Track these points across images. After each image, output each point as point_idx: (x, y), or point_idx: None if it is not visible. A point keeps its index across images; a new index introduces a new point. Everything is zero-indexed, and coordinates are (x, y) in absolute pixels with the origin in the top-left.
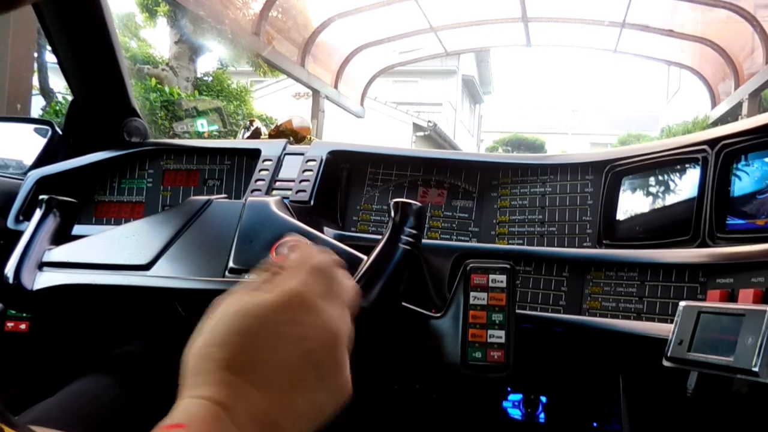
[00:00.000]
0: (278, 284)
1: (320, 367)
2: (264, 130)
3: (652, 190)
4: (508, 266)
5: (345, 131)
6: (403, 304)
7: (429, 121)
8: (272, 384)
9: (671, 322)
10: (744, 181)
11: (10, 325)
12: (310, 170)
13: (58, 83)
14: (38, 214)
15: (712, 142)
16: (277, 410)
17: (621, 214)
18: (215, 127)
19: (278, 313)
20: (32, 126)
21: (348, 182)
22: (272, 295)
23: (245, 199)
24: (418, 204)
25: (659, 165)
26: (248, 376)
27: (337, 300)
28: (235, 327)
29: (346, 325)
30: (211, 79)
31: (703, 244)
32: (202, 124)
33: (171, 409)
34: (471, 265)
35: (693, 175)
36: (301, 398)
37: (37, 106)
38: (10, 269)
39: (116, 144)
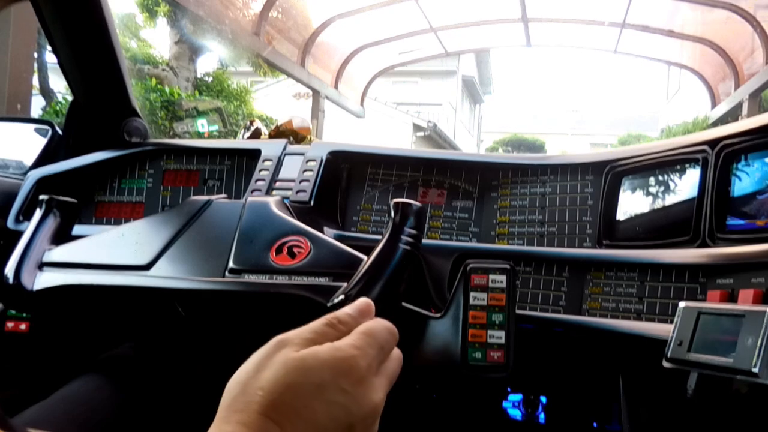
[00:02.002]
0: (334, 342)
1: None
2: (264, 131)
3: (652, 190)
4: (508, 266)
5: (345, 131)
6: (403, 304)
7: (429, 122)
8: None
9: (671, 322)
10: (744, 181)
11: (10, 325)
12: (311, 170)
13: (58, 83)
14: (38, 214)
15: (712, 143)
16: None
17: (621, 215)
18: (215, 128)
19: (328, 374)
20: (32, 126)
21: (348, 182)
22: (326, 353)
23: (245, 200)
24: (418, 204)
25: (659, 165)
26: (284, 426)
27: (385, 374)
28: (284, 375)
29: (383, 399)
30: (211, 79)
31: (703, 245)
32: (202, 125)
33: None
34: (471, 265)
35: (693, 175)
36: None
37: (37, 106)
38: (10, 269)
39: (116, 144)
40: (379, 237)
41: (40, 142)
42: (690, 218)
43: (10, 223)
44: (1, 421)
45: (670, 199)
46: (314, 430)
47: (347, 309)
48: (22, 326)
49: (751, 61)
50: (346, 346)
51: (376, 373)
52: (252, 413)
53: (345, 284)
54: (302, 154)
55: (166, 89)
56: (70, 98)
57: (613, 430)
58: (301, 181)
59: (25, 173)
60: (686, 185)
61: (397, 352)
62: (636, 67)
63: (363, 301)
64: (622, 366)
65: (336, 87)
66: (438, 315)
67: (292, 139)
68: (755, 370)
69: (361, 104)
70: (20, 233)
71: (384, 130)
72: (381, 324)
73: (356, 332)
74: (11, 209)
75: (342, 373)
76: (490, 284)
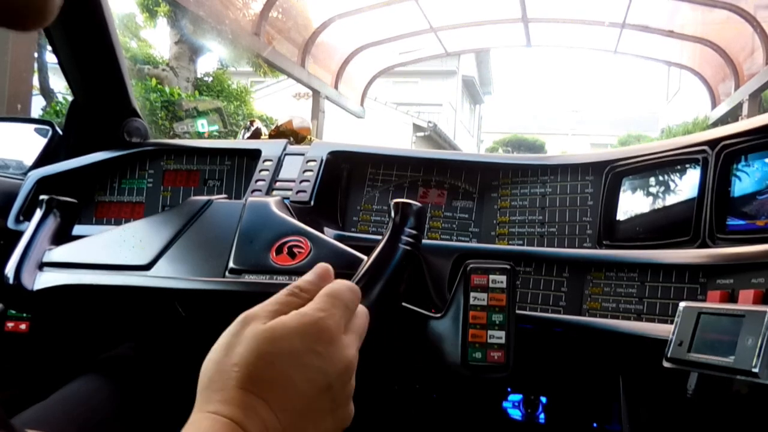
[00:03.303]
0: (299, 309)
1: (333, 398)
2: (264, 131)
3: (653, 190)
4: (508, 267)
5: (345, 132)
6: (403, 304)
7: (429, 122)
8: (286, 408)
9: (671, 322)
10: (744, 181)
11: (10, 325)
12: (311, 170)
13: (59, 83)
14: (38, 214)
15: (712, 143)
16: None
17: (621, 215)
18: (215, 128)
19: (299, 340)
20: (32, 126)
21: (348, 182)
22: (293, 320)
23: (245, 200)
24: (419, 204)
25: (659, 165)
26: (264, 396)
27: (353, 331)
28: (255, 348)
29: (356, 356)
30: (211, 79)
31: (704, 245)
32: (202, 125)
33: (185, 423)
34: (471, 265)
35: (693, 175)
36: (312, 425)
37: (37, 106)
38: (10, 269)
39: (116, 144)
40: (379, 237)
41: (41, 142)
42: (690, 218)
43: (11, 223)
44: (1, 422)
45: (671, 200)
46: (294, 396)
47: (307, 276)
48: (22, 326)
49: (751, 61)
50: (312, 310)
51: (345, 331)
52: (231, 390)
53: None
54: (302, 154)
55: (166, 89)
56: (70, 98)
57: (613, 430)
58: (301, 182)
59: (26, 173)
60: (686, 185)
61: (362, 309)
62: (636, 67)
63: (321, 266)
64: (622, 366)
65: (336, 87)
66: (438, 315)
67: (292, 139)
68: (755, 370)
69: (361, 104)
70: (20, 233)
71: (384, 131)
72: (342, 284)
73: (319, 296)
74: (11, 209)
75: (312, 336)
76: (491, 284)
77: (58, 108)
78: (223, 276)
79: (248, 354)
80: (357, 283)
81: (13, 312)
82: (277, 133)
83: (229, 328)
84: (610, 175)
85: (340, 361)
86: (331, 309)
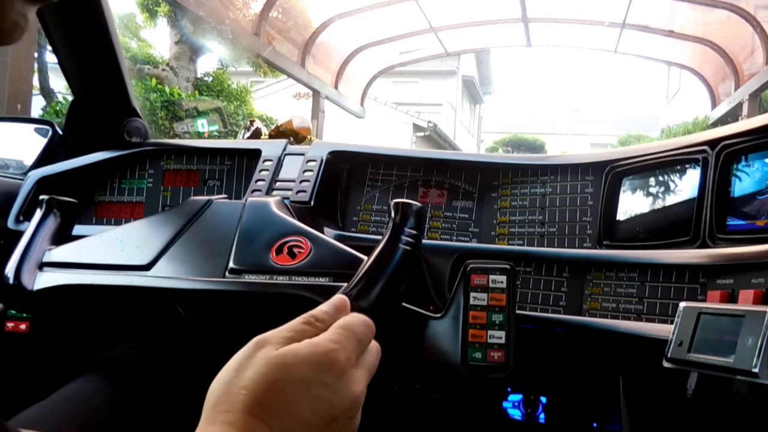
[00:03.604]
0: (312, 338)
1: (337, 431)
2: (264, 131)
3: (653, 190)
4: (508, 267)
5: (345, 131)
6: (403, 304)
7: (429, 122)
8: None
9: (671, 322)
10: (744, 181)
11: (10, 325)
12: (311, 170)
13: (59, 83)
14: (38, 214)
15: (712, 143)
16: None
17: (621, 215)
18: (215, 128)
19: (309, 369)
20: (32, 126)
21: (348, 182)
22: (305, 349)
23: (245, 200)
24: (419, 204)
25: (659, 166)
26: (269, 422)
27: (364, 367)
28: (265, 373)
29: (364, 392)
30: (211, 79)
31: (704, 245)
32: (202, 125)
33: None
34: (471, 265)
35: (693, 175)
36: None
37: (37, 106)
38: (10, 269)
39: (116, 144)
40: (379, 237)
41: (41, 142)
42: (690, 218)
43: (11, 223)
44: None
45: (671, 200)
46: (298, 425)
47: (323, 306)
48: (22, 326)
49: (751, 61)
50: (325, 341)
51: (356, 365)
52: (237, 412)
53: (345, 284)
54: (302, 154)
55: (166, 89)
56: (70, 98)
57: (613, 430)
58: (301, 182)
59: (26, 173)
60: (686, 185)
61: (375, 345)
62: (636, 67)
63: (338, 297)
64: (622, 366)
65: (336, 87)
66: (438, 315)
67: (292, 139)
68: (755, 370)
69: (361, 104)
70: (20, 233)
71: (384, 131)
72: (357, 318)
73: (334, 327)
74: (11, 209)
75: (322, 367)
76: (491, 284)
77: (58, 108)
78: (223, 276)
79: (257, 378)
80: (357, 283)
81: (13, 312)
82: (277, 133)
83: (242, 350)
84: (610, 175)
85: (348, 396)
86: (344, 342)
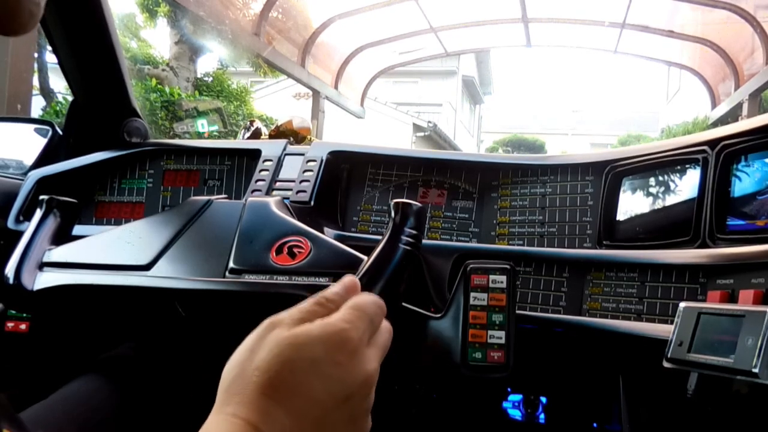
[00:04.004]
0: (324, 318)
1: (351, 410)
2: (264, 131)
3: (653, 190)
4: (508, 267)
5: (345, 132)
6: (404, 304)
7: (429, 122)
8: (304, 416)
9: (671, 323)
10: (744, 181)
11: (10, 325)
12: (311, 170)
13: (59, 83)
14: (38, 214)
15: (712, 143)
16: None
17: (621, 215)
18: (215, 128)
19: (321, 348)
20: (32, 126)
21: (348, 182)
22: (318, 329)
23: (245, 200)
24: (419, 204)
25: (659, 165)
26: (283, 403)
27: (376, 346)
28: (278, 354)
29: (377, 370)
30: (211, 79)
31: (704, 245)
32: (202, 125)
33: (203, 424)
34: (471, 265)
35: (693, 175)
36: None
37: (37, 106)
38: (10, 269)
39: (116, 144)
40: (379, 237)
41: (41, 142)
42: (690, 219)
43: (11, 223)
44: (13, 420)
45: (671, 200)
46: (312, 405)
47: (334, 287)
48: (22, 326)
49: (751, 61)
50: (337, 320)
51: (368, 344)
52: (251, 394)
53: None
54: (302, 154)
55: (166, 89)
56: (70, 98)
57: (613, 430)
58: (301, 182)
59: (26, 173)
60: (686, 185)
61: (386, 324)
62: (636, 67)
63: (349, 278)
64: (622, 366)
65: (336, 87)
66: (438, 315)
67: (292, 139)
68: (755, 370)
69: (361, 104)
70: (20, 233)
71: (384, 131)
72: (369, 298)
73: (345, 307)
74: (11, 209)
75: (335, 346)
76: (491, 284)
77: (58, 108)
78: (223, 276)
79: (270, 359)
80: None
81: (13, 312)
82: (277, 133)
83: (254, 331)
84: (610, 175)
85: (360, 374)
86: (356, 321)
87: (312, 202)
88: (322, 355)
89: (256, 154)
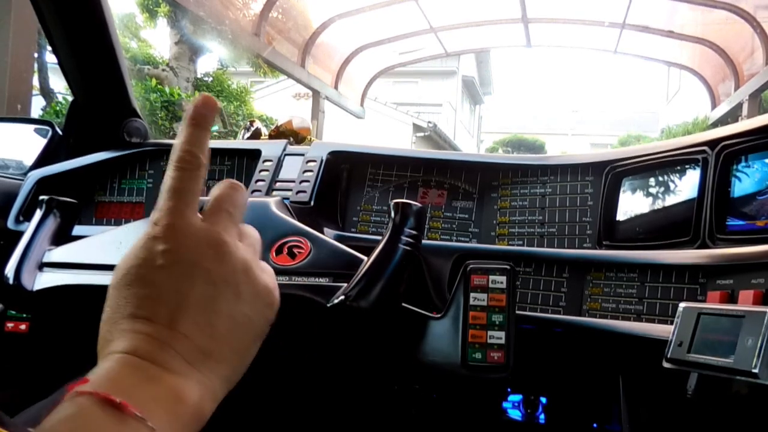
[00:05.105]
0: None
1: (237, 286)
2: (264, 131)
3: (652, 191)
4: (508, 267)
5: (345, 132)
6: (403, 304)
7: (429, 122)
8: (184, 317)
9: (671, 323)
10: (744, 182)
11: (10, 325)
12: (311, 171)
13: (59, 83)
14: (38, 214)
15: (712, 143)
16: (199, 337)
17: (621, 215)
18: (215, 128)
19: (156, 246)
20: (32, 126)
21: (348, 183)
22: (156, 230)
23: None
24: (418, 205)
25: (659, 166)
26: (160, 318)
27: (245, 238)
28: (129, 279)
29: (254, 255)
30: (211, 79)
31: (703, 245)
32: None
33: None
34: (471, 265)
35: (693, 176)
36: (221, 320)
37: (37, 106)
38: (10, 270)
39: (116, 144)
40: (379, 237)
41: (40, 143)
42: (690, 219)
43: (10, 223)
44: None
45: (670, 200)
46: (183, 298)
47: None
48: (22, 326)
49: (751, 61)
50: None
51: (234, 236)
52: (124, 327)
53: (345, 285)
54: (302, 154)
55: (166, 89)
56: (70, 98)
57: (613, 430)
58: (301, 182)
59: (26, 173)
60: (686, 186)
61: (253, 230)
62: (636, 67)
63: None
64: (622, 366)
65: (336, 87)
66: (438, 315)
67: (292, 139)
68: (755, 370)
69: (361, 105)
70: (20, 233)
71: (384, 131)
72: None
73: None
74: (11, 209)
75: (202, 245)
76: (491, 285)
77: (58, 108)
78: None
79: (127, 284)
80: (357, 284)
81: (13, 312)
82: (277, 133)
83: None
84: (610, 175)
85: (232, 255)
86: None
87: (312, 203)
88: (157, 255)
89: (256, 154)
